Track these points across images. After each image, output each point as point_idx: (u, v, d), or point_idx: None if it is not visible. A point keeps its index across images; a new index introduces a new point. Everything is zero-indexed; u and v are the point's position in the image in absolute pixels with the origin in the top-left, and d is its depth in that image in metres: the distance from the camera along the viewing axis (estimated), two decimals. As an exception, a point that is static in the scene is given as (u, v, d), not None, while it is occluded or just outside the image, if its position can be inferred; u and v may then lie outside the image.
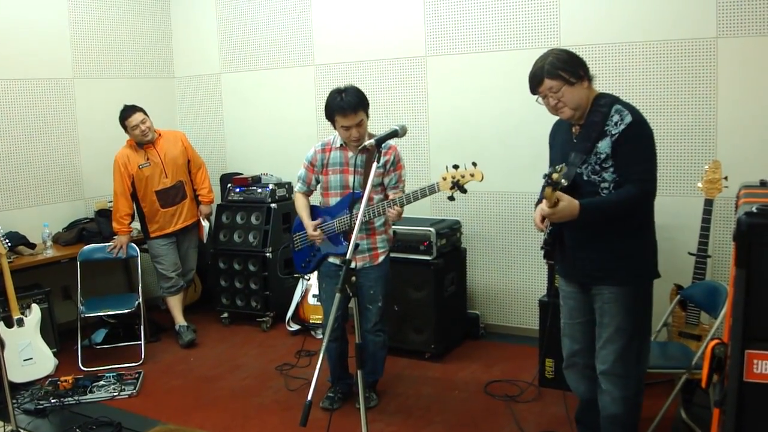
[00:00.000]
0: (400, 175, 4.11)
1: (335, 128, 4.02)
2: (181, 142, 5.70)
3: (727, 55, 4.45)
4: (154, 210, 5.52)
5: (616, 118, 2.89)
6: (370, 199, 3.99)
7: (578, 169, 2.98)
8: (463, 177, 3.57)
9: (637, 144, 2.87)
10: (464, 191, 3.60)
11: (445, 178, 3.62)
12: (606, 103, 2.95)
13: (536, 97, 3.05)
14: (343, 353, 4.36)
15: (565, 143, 3.11)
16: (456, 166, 3.60)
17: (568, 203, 2.82)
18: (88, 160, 6.17)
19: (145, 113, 5.38)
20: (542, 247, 3.23)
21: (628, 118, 2.86)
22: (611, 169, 2.90)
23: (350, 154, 4.06)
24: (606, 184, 2.92)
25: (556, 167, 2.68)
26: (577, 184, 2.96)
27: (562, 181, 2.67)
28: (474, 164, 3.58)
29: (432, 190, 3.70)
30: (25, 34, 5.64)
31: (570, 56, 2.97)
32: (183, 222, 5.67)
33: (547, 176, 2.68)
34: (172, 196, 5.56)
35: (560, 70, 2.91)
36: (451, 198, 3.59)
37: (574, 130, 3.07)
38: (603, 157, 2.91)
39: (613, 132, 2.88)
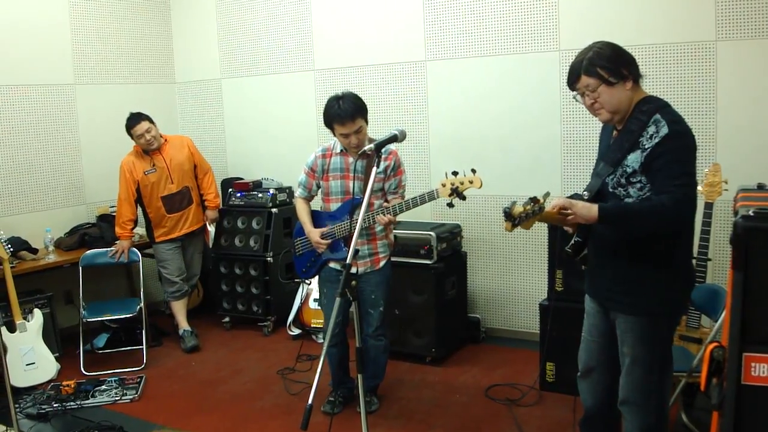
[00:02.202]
0: (401, 180, 4.11)
1: (334, 135, 4.04)
2: (188, 147, 5.71)
3: (726, 58, 4.46)
4: (160, 215, 5.54)
5: (651, 129, 2.62)
6: (370, 204, 3.99)
7: (606, 180, 2.79)
8: (462, 184, 3.57)
9: (672, 155, 2.57)
10: (463, 198, 3.60)
11: (444, 185, 3.62)
12: (648, 110, 2.67)
13: (574, 93, 2.80)
14: (343, 358, 4.36)
15: (604, 149, 2.90)
16: (455, 173, 3.60)
17: (583, 208, 2.61)
18: (90, 166, 6.19)
19: (151, 121, 5.39)
20: (567, 252, 3.03)
21: (664, 131, 2.58)
22: (638, 185, 2.66)
23: (351, 159, 4.06)
24: (630, 200, 2.69)
25: (533, 198, 2.51)
26: (604, 197, 2.78)
27: (535, 207, 2.51)
28: (473, 171, 3.58)
29: (431, 196, 3.69)
30: (26, 40, 5.66)
31: (614, 52, 2.69)
32: (189, 227, 5.68)
33: (506, 210, 2.48)
34: (178, 202, 5.58)
35: (599, 67, 2.65)
36: (450, 205, 3.59)
37: (614, 134, 2.83)
38: (630, 171, 2.68)
39: (645, 146, 2.62)
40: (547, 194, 2.60)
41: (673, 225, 2.64)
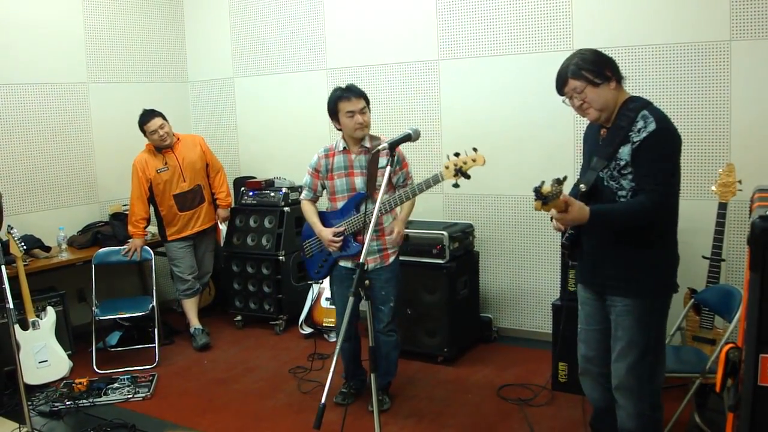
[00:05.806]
0: (407, 172, 4.19)
1: (339, 124, 4.08)
2: (200, 146, 5.74)
3: (740, 58, 4.43)
4: (173, 214, 5.56)
5: (640, 124, 2.81)
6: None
7: (600, 173, 2.94)
8: (465, 163, 3.62)
9: (656, 153, 2.77)
10: (468, 177, 3.63)
11: (447, 167, 3.66)
12: (635, 107, 2.86)
13: (562, 98, 3.00)
14: (356, 352, 4.39)
15: (593, 146, 3.06)
16: (457, 154, 3.64)
17: (578, 210, 2.74)
18: (103, 164, 6.21)
19: (164, 118, 5.42)
20: (562, 251, 3.24)
21: (652, 126, 2.77)
22: (630, 177, 2.83)
23: (353, 156, 4.10)
24: (623, 192, 2.87)
25: (557, 179, 2.62)
26: (598, 189, 2.94)
27: (560, 188, 2.61)
28: (474, 149, 3.61)
29: (436, 179, 3.74)
30: (39, 38, 5.69)
31: (596, 56, 2.91)
32: (200, 225, 5.70)
33: (537, 189, 2.61)
34: (190, 200, 5.60)
35: (584, 70, 2.86)
36: (456, 185, 3.61)
37: (602, 132, 3.01)
38: (622, 164, 2.85)
39: (634, 139, 2.80)
40: (565, 177, 2.69)
41: (651, 220, 2.84)
